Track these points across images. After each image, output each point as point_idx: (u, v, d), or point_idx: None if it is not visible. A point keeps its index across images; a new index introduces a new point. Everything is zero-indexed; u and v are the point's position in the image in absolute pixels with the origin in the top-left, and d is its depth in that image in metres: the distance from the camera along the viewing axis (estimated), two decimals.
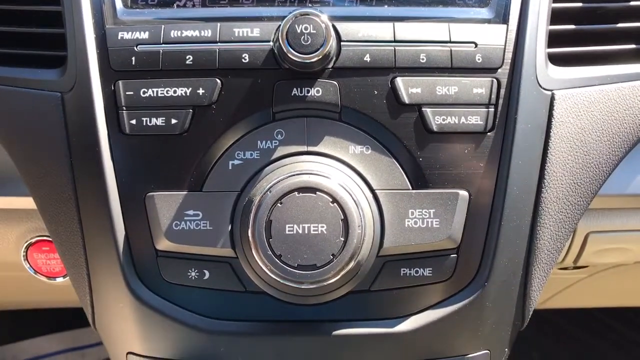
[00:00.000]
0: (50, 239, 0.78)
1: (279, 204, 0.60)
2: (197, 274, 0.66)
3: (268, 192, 0.60)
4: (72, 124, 0.67)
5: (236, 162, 0.66)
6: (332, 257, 0.60)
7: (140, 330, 0.67)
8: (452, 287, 0.66)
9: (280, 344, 0.66)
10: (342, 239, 0.60)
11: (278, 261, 0.59)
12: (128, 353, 0.69)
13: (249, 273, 0.64)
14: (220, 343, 0.66)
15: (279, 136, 0.66)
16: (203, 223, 0.65)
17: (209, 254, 0.65)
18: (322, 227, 0.60)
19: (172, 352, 0.67)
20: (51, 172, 0.69)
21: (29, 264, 0.81)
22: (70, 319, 1.58)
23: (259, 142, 0.66)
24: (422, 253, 0.65)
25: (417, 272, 0.66)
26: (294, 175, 0.61)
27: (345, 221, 0.60)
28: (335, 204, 0.60)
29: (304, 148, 0.65)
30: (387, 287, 0.65)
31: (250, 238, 0.60)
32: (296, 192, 0.60)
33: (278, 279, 0.60)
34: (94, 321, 0.72)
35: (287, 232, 0.59)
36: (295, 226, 0.59)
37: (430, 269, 0.66)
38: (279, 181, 0.61)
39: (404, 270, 0.65)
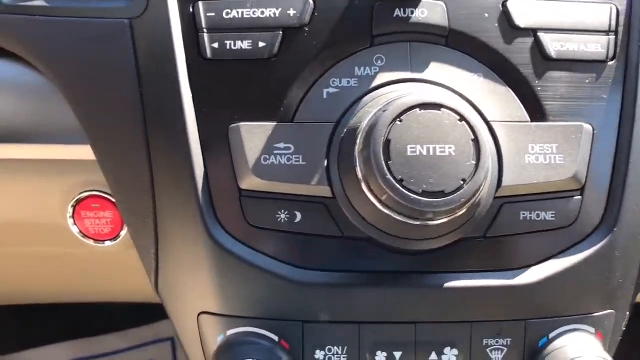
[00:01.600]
0: (102, 194, 0.70)
1: (398, 122, 0.52)
2: (288, 216, 0.57)
3: (382, 112, 0.53)
4: (142, 51, 0.59)
5: (332, 90, 0.59)
6: (462, 182, 0.52)
7: (217, 284, 0.58)
8: (576, 233, 0.58)
9: (382, 298, 0.57)
10: (474, 162, 0.51)
11: (399, 186, 0.50)
12: (201, 314, 0.59)
13: (349, 214, 0.56)
14: (312, 297, 0.57)
15: (379, 62, 0.59)
16: (295, 158, 0.57)
17: (301, 193, 0.56)
18: (450, 148, 0.52)
19: (255, 308, 0.57)
20: (116, 107, 0.60)
21: (76, 224, 0.72)
22: (83, 325, 1.47)
23: (356, 68, 0.59)
24: (543, 194, 0.57)
25: (538, 215, 0.58)
26: (410, 95, 0.54)
27: (477, 142, 0.51)
28: (463, 122, 0.52)
29: (407, 75, 0.58)
30: (504, 233, 0.57)
31: (363, 163, 0.52)
32: (418, 109, 0.53)
33: (393, 214, 0.52)
34: (157, 282, 0.63)
35: (409, 154, 0.51)
36: (419, 147, 0.51)
37: (553, 212, 0.58)
38: (392, 101, 0.54)
39: (523, 214, 0.57)
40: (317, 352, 0.58)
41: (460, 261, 0.57)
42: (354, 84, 0.58)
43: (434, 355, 0.59)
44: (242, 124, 0.57)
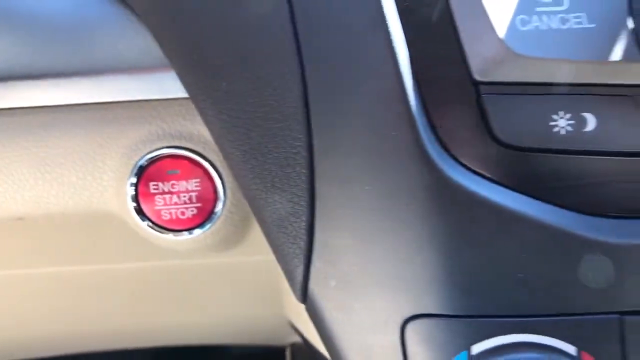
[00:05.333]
0: (185, 152, 0.45)
1: None
2: (571, 122, 0.33)
3: None
4: None
5: None
6: None
7: (449, 260, 0.32)
8: None
9: None
10: None
11: None
12: (410, 319, 0.33)
13: None
14: (634, 266, 0.33)
15: None
16: (575, 18, 0.33)
17: (593, 81, 0.32)
18: None
19: (525, 299, 0.32)
20: None
21: (141, 205, 0.46)
22: None
23: None
24: None
25: None
26: None
27: None
28: None
29: None
30: None
31: None
32: None
33: None
34: (306, 279, 0.37)
35: None
36: None
37: None
38: None
39: None
40: None
41: None
42: None
43: None
44: None
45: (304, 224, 0.35)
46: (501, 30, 0.31)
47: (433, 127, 0.32)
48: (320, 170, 0.34)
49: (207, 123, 0.38)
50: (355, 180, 0.33)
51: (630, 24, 0.32)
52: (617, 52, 0.31)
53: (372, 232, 0.34)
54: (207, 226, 0.44)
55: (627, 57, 0.31)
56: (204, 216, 0.44)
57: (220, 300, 0.57)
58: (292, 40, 0.33)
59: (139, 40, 0.42)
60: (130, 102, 0.42)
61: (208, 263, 0.51)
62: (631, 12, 0.32)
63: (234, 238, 0.47)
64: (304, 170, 0.34)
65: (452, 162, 0.32)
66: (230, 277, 0.53)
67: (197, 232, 0.44)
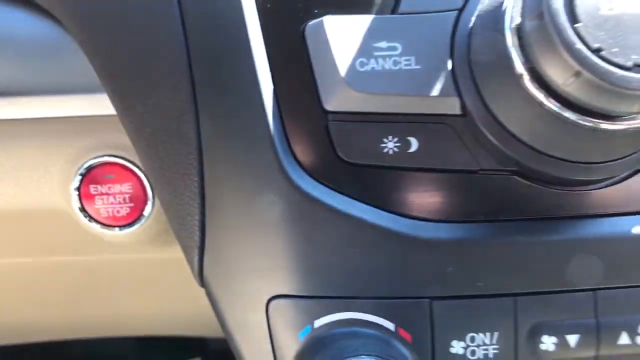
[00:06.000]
0: (119, 160, 0.53)
1: None
2: (397, 145, 0.40)
3: None
4: None
5: None
6: None
7: (297, 251, 0.40)
8: None
9: (543, 255, 0.40)
10: None
11: (596, 59, 0.32)
12: (272, 299, 0.40)
13: (491, 134, 0.39)
14: (443, 261, 0.39)
15: None
16: (405, 60, 0.40)
17: (417, 111, 0.39)
18: None
19: (355, 283, 0.39)
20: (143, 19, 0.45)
21: (82, 204, 0.54)
22: None
23: None
24: None
25: None
26: None
27: None
28: None
29: None
30: None
31: (528, 43, 0.34)
32: None
33: (572, 115, 0.35)
34: (201, 264, 0.45)
35: (604, 12, 0.35)
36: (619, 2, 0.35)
37: None
38: None
39: None
40: (454, 343, 0.40)
41: None
42: None
43: (625, 338, 0.41)
44: (325, 17, 0.41)
45: (197, 222, 0.43)
46: (343, 70, 0.39)
47: (291, 148, 0.40)
48: (209, 179, 0.42)
49: (129, 137, 0.46)
50: (233, 189, 0.41)
51: (449, 65, 0.39)
52: (437, 88, 0.39)
53: (245, 230, 0.41)
54: (138, 224, 0.53)
55: (445, 92, 0.39)
56: (137, 214, 0.53)
57: (174, 294, 0.65)
58: (188, 82, 0.41)
59: (83, 64, 0.50)
60: (74, 118, 0.51)
61: (155, 258, 0.59)
62: (451, 56, 0.39)
63: (168, 235, 0.55)
64: (195, 179, 0.42)
65: (305, 176, 0.40)
66: (180, 272, 0.61)
67: (127, 229, 0.52)
